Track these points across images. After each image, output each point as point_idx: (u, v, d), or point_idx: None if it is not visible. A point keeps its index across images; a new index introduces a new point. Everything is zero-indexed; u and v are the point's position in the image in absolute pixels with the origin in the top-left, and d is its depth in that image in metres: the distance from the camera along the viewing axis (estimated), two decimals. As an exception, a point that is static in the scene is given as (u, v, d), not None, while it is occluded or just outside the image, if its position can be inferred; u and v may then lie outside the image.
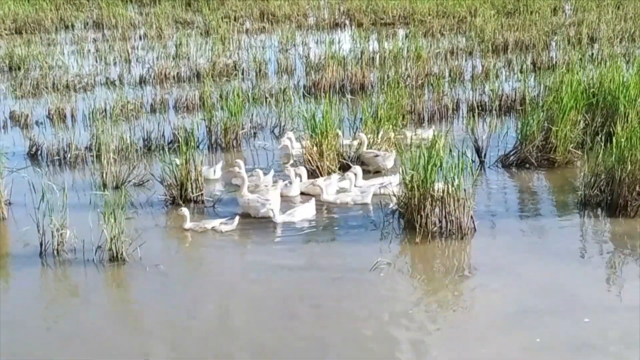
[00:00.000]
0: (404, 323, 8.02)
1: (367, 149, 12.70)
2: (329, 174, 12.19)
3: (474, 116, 14.40)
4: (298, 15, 29.66)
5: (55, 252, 9.70)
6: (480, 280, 8.96)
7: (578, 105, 12.80)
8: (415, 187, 10.12)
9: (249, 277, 9.19)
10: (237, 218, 10.59)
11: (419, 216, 10.04)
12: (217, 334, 7.94)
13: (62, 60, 21.62)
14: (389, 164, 12.51)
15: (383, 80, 17.70)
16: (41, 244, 9.73)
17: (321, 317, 8.23)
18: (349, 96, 17.30)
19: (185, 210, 10.60)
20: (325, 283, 8.96)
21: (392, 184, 11.35)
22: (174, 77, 19.87)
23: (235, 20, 28.32)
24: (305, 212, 10.88)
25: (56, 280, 9.40)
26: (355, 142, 12.72)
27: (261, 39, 25.47)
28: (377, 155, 12.54)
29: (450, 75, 18.81)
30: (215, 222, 10.54)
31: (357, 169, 11.95)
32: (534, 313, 8.14)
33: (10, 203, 11.42)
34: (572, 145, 12.72)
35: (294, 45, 24.00)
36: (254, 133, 14.90)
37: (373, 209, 11.06)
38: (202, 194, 11.51)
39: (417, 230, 9.98)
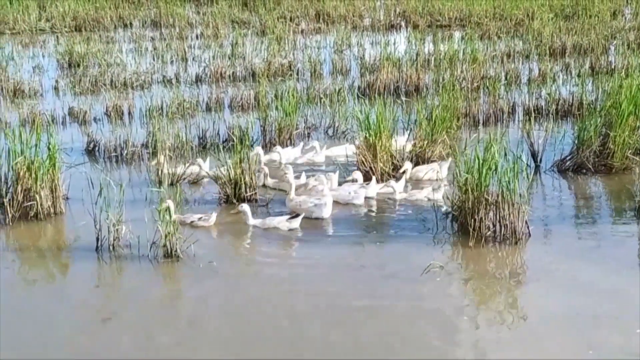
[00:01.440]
0: (457, 327, 7.97)
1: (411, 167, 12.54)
2: (382, 176, 12.17)
3: (530, 120, 14.24)
4: (354, 16, 29.67)
5: (111, 247, 9.84)
6: (534, 286, 8.88)
7: (637, 111, 12.59)
8: (470, 190, 10.05)
9: (299, 275, 9.22)
10: (300, 217, 10.66)
11: (472, 220, 9.97)
12: (269, 332, 7.98)
13: (120, 58, 21.91)
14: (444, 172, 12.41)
15: (438, 83, 17.63)
16: (97, 239, 9.88)
17: (374, 319, 8.20)
18: (403, 98, 17.25)
19: (246, 207, 10.70)
20: (377, 285, 8.94)
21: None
22: (229, 76, 20.02)
23: (291, 20, 28.42)
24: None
25: (111, 275, 9.53)
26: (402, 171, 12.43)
27: (316, 39, 25.53)
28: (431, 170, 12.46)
29: (506, 78, 18.67)
30: (280, 219, 10.65)
31: (358, 174, 11.95)
32: (587, 320, 8.04)
33: (68, 198, 11.62)
34: (630, 151, 12.53)
35: (349, 46, 24.02)
36: (308, 133, 14.93)
37: (426, 211, 11.00)
38: (255, 193, 11.57)
39: (471, 234, 9.91)
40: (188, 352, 7.65)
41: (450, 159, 12.37)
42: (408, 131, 13.90)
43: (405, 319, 8.16)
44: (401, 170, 11.92)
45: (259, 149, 12.64)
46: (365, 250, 9.94)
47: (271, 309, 8.44)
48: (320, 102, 16.59)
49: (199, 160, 12.61)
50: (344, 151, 13.36)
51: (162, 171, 12.17)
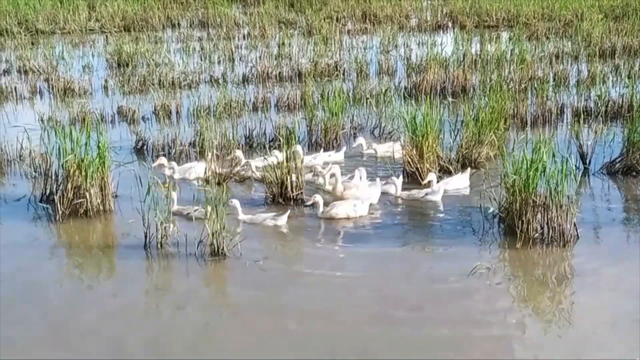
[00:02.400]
0: (504, 329, 7.93)
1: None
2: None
3: (578, 121, 14.10)
4: (400, 17, 29.61)
5: (158, 245, 9.94)
6: (581, 289, 8.80)
7: (689, 113, 12.41)
8: (517, 191, 9.98)
9: (345, 275, 9.23)
10: (286, 215, 10.79)
11: (520, 222, 9.90)
12: (316, 331, 8.01)
13: (168, 57, 22.12)
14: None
15: (485, 84, 17.50)
16: (146, 237, 9.99)
17: (422, 320, 8.19)
18: (450, 98, 17.17)
19: (236, 202, 10.86)
20: (424, 285, 8.93)
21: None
22: (276, 76, 20.10)
23: (337, 20, 28.43)
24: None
25: (159, 272, 9.64)
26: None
27: (363, 39, 25.52)
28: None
29: (554, 79, 18.50)
30: (266, 216, 10.82)
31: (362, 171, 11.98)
32: (634, 324, 7.93)
33: (117, 196, 11.77)
34: (681, 153, 12.34)
35: (396, 46, 23.98)
36: (354, 134, 14.94)
37: (472, 212, 10.95)
38: (301, 193, 11.61)
39: (518, 235, 9.84)
40: (231, 350, 7.71)
41: (469, 169, 12.25)
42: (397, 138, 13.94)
43: (451, 321, 8.13)
44: (425, 182, 11.85)
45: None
46: (410, 251, 9.92)
47: (317, 309, 8.46)
48: (367, 102, 16.59)
49: (238, 152, 12.75)
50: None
51: (210, 170, 12.28)
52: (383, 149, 13.56)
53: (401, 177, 12.07)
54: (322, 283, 9.06)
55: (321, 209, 10.92)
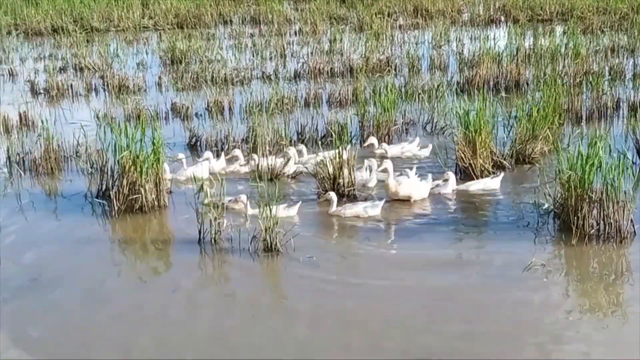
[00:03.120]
0: (559, 326, 7.85)
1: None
2: (482, 172, 12.06)
3: (635, 116, 13.89)
4: (452, 11, 29.42)
5: (212, 241, 10.02)
6: (638, 286, 8.65)
7: None
8: (573, 187, 9.86)
9: (399, 272, 9.21)
10: (297, 205, 10.94)
11: (575, 217, 9.78)
12: (374, 328, 8.00)
13: (220, 54, 22.28)
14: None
15: (539, 78, 17.31)
16: (199, 232, 10.08)
17: (478, 316, 8.14)
18: (503, 93, 17.03)
19: (243, 197, 10.94)
20: (478, 282, 8.88)
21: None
22: (327, 72, 20.13)
23: (388, 16, 28.34)
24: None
25: (213, 267, 9.72)
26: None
27: (414, 34, 25.43)
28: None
29: (610, 73, 18.23)
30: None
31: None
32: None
33: (171, 192, 11.90)
34: None
35: (448, 41, 23.83)
36: (406, 129, 14.90)
37: (527, 208, 10.85)
38: (354, 188, 11.61)
39: (573, 232, 9.72)
40: (293, 349, 7.75)
41: (501, 173, 12.04)
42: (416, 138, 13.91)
43: (506, 317, 8.08)
44: (442, 180, 11.80)
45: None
46: (464, 247, 9.87)
47: (373, 305, 8.45)
48: (419, 97, 16.51)
49: (292, 150, 12.84)
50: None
51: (260, 166, 12.35)
52: (394, 150, 13.46)
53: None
54: (376, 280, 9.05)
55: (333, 207, 10.88)
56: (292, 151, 12.87)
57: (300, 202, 11.07)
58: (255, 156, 12.65)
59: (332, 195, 10.99)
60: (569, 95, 15.42)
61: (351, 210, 10.93)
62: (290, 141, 13.89)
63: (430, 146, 13.47)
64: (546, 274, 8.90)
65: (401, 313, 8.26)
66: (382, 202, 11.07)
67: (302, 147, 13.26)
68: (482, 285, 8.80)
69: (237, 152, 13.10)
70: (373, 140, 13.46)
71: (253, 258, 9.62)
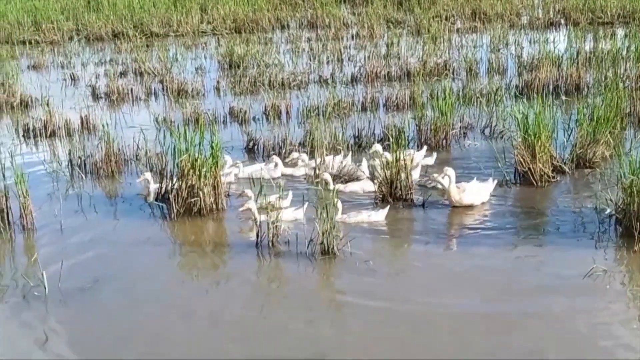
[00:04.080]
0: (622, 331, 7.72)
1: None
2: (541, 177, 11.92)
3: (700, 120, 13.59)
4: (511, 15, 29.11)
5: (270, 244, 10.07)
6: None
7: None
8: (635, 192, 9.68)
9: (455, 276, 9.15)
10: (304, 207, 10.94)
11: (638, 223, 9.60)
12: (428, 333, 7.97)
13: (278, 58, 22.37)
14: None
15: (600, 81, 17.05)
16: (257, 235, 10.14)
17: (534, 322, 8.03)
18: (563, 97, 16.81)
19: (251, 200, 10.93)
20: (536, 287, 8.77)
21: None
22: (384, 75, 20.09)
23: (446, 19, 28.19)
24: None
25: (270, 270, 9.77)
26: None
27: (472, 38, 25.24)
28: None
29: (675, 76, 17.84)
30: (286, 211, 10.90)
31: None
32: None
33: (229, 195, 11.99)
34: None
35: (506, 44, 23.59)
36: (464, 133, 14.80)
37: (587, 214, 10.68)
38: (411, 193, 11.56)
39: (636, 238, 9.55)
40: (350, 351, 7.75)
41: (495, 181, 11.72)
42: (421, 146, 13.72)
43: (566, 322, 7.98)
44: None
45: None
46: (522, 251, 9.76)
47: (430, 311, 8.41)
48: (477, 101, 16.39)
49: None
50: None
51: (318, 170, 12.39)
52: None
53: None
54: (432, 284, 9.00)
55: (339, 215, 10.73)
56: (295, 155, 13.06)
57: (308, 203, 11.07)
58: (305, 157, 12.79)
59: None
60: (630, 99, 15.15)
61: (355, 218, 10.89)
62: (347, 145, 13.90)
63: (435, 155, 13.37)
64: (608, 281, 8.75)
65: (458, 319, 8.20)
66: (387, 208, 10.96)
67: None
68: (543, 291, 8.67)
69: (295, 154, 13.15)
70: (378, 147, 13.21)
71: (310, 261, 9.64)
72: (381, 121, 15.11)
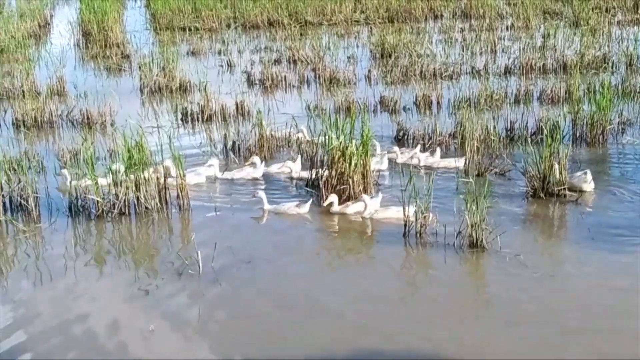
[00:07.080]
0: None
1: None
2: None
3: None
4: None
5: (417, 234, 10.07)
6: None
7: None
8: None
9: (602, 272, 8.89)
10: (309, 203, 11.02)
11: None
12: (568, 330, 7.79)
13: (430, 48, 22.22)
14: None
15: None
16: (405, 225, 10.16)
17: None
18: None
19: (262, 193, 11.22)
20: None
21: None
22: (539, 68, 19.61)
23: (606, 11, 27.22)
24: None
25: (416, 260, 9.78)
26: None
27: (634, 31, 24.25)
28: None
29: None
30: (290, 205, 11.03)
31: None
32: None
33: (378, 184, 12.05)
34: None
35: (671, 38, 22.56)
36: (622, 129, 14.28)
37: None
38: (564, 188, 11.26)
39: None
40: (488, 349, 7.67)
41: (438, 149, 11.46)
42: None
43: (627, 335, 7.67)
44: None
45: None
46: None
47: (573, 308, 8.24)
48: (637, 96, 15.76)
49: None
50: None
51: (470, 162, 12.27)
52: (404, 157, 13.08)
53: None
54: (581, 283, 8.80)
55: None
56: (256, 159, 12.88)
57: (311, 199, 11.12)
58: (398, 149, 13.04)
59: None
60: None
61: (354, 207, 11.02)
62: (499, 138, 13.66)
63: (438, 150, 13.12)
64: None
65: (613, 316, 7.97)
66: (379, 196, 11.13)
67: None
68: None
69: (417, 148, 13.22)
70: (396, 149, 13.11)
71: (458, 253, 9.58)
72: (534, 114, 14.78)
